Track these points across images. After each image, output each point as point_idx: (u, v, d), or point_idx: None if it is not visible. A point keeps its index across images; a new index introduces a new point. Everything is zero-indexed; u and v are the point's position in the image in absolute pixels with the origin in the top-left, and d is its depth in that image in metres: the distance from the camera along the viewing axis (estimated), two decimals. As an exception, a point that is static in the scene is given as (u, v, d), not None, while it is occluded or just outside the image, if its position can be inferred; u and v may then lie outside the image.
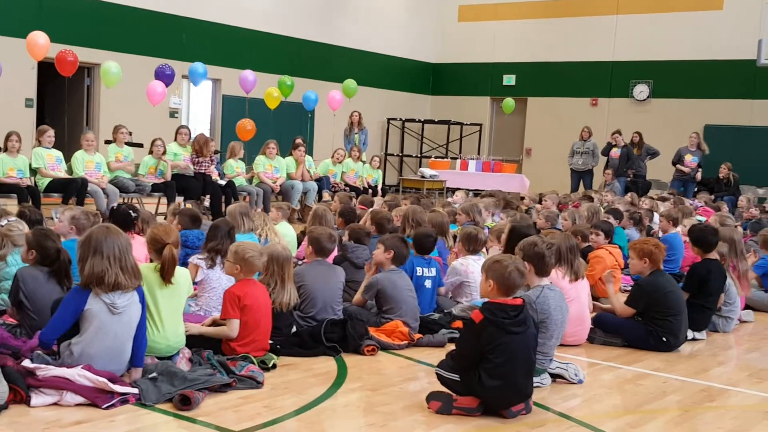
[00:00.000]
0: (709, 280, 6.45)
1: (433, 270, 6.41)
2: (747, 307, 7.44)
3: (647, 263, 6.05)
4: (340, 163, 14.17)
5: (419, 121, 22.18)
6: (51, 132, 10.59)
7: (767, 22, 15.13)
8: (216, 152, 13.22)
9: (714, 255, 6.73)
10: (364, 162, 14.80)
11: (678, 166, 16.40)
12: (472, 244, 6.84)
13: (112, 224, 4.59)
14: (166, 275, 4.63)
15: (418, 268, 6.30)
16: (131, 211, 6.91)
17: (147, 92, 12.50)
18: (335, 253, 6.53)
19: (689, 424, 4.45)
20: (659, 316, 5.95)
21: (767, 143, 17.93)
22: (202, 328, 5.03)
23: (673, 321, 5.96)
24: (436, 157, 21.50)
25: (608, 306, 6.51)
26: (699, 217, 10.45)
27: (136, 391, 4.17)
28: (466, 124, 21.94)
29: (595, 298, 6.96)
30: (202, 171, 11.70)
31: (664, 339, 5.93)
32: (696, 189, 16.40)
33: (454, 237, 7.73)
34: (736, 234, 7.53)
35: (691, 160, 16.31)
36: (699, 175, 16.34)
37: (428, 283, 6.34)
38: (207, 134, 15.41)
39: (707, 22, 18.85)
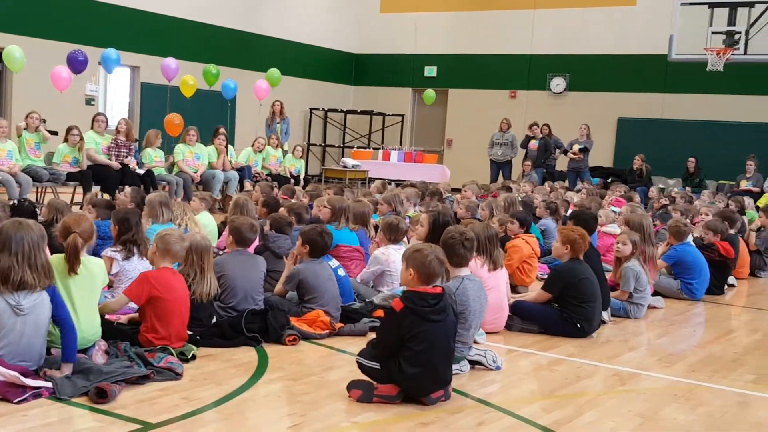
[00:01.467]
0: (591, 256, 6.58)
1: (334, 260, 6.40)
2: (657, 293, 7.72)
3: (568, 250, 6.22)
4: (260, 152, 14.07)
5: (342, 111, 22.16)
6: (-42, 119, 10.21)
7: (678, 18, 15.63)
8: (134, 141, 12.94)
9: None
10: (285, 152, 14.72)
11: (570, 154, 16.91)
12: (393, 234, 6.89)
13: (25, 219, 4.44)
14: (69, 265, 4.52)
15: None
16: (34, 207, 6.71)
17: (52, 78, 12.16)
18: (256, 242, 6.50)
19: (601, 408, 4.59)
20: (574, 302, 6.12)
21: (678, 136, 18.57)
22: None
23: (588, 308, 6.14)
24: (358, 148, 21.54)
25: (525, 294, 6.66)
26: (614, 208, 10.77)
27: (49, 385, 4.07)
28: (389, 115, 22.03)
29: (513, 286, 7.12)
30: (119, 160, 11.45)
31: (579, 325, 6.10)
32: (610, 180, 16.92)
33: (376, 227, 7.78)
34: (646, 221, 7.78)
35: (577, 148, 16.82)
36: (586, 161, 16.95)
37: (341, 271, 6.34)
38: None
39: (621, 17, 19.38)
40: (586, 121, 17.66)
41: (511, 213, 8.43)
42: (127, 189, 6.85)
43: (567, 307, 6.14)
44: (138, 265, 5.74)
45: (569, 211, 10.43)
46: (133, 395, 4.18)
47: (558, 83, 20.37)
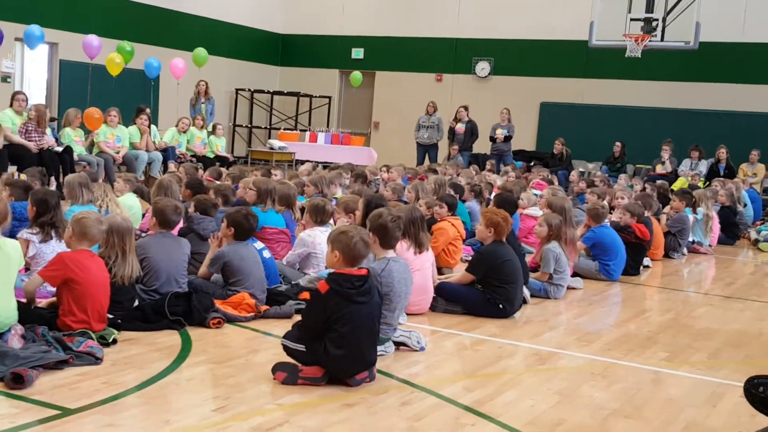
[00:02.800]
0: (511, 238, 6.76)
1: (258, 243, 6.37)
2: (575, 274, 7.93)
3: (492, 233, 6.33)
4: (185, 132, 13.84)
5: (268, 92, 21.94)
6: None
7: (598, 5, 15.96)
8: (52, 119, 12.56)
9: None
10: (209, 132, 14.52)
11: (496, 139, 17.25)
12: (320, 216, 6.89)
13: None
14: None
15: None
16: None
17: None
18: (180, 224, 6.41)
19: (522, 387, 4.71)
20: (497, 284, 6.24)
21: (597, 121, 19.02)
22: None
23: (509, 289, 6.27)
24: (285, 129, 21.38)
25: (450, 276, 6.76)
26: (535, 191, 10.99)
27: (-37, 371, 3.96)
28: (316, 97, 21.92)
29: (438, 268, 7.20)
30: (33, 141, 11.08)
31: (501, 306, 6.23)
32: (532, 163, 17.26)
33: (302, 209, 7.76)
34: (567, 204, 7.97)
35: (501, 133, 17.15)
36: (511, 145, 17.33)
37: (266, 253, 6.31)
38: (43, 101, 14.66)
39: (544, 2, 19.66)
40: (509, 105, 17.92)
41: (439, 196, 8.52)
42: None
43: (490, 289, 6.26)
44: (56, 248, 5.60)
45: (493, 194, 10.61)
46: (51, 380, 4.09)
47: (483, 67, 20.58)
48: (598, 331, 6.27)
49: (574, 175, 14.44)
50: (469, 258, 7.32)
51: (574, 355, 5.45)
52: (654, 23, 15.40)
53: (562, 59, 19.46)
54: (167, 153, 13.10)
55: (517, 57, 20.00)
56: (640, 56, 15.54)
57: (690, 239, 10.58)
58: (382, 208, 5.62)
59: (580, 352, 5.55)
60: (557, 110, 19.62)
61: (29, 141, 11.12)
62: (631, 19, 15.47)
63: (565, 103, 19.55)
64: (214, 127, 14.77)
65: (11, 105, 11.46)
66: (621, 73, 18.63)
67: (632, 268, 8.64)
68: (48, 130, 11.58)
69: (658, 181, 13.53)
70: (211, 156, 14.08)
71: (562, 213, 7.62)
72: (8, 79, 15.69)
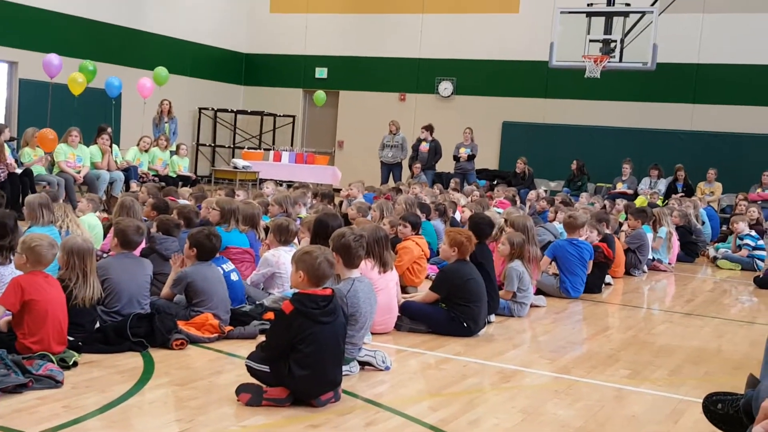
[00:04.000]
0: (484, 260, 6.82)
1: (230, 264, 6.33)
2: (539, 291, 8.00)
3: (455, 252, 6.36)
4: (146, 151, 13.73)
5: (232, 111, 21.87)
6: None
7: (558, 26, 16.20)
8: (12, 139, 12.39)
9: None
10: (172, 152, 14.43)
11: (459, 158, 17.41)
12: (284, 235, 6.88)
13: None
14: None
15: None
16: None
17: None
18: (143, 245, 6.35)
19: (487, 405, 4.73)
20: (461, 302, 6.27)
21: (558, 140, 19.25)
22: None
23: (474, 308, 6.30)
24: (249, 148, 21.31)
25: (415, 295, 6.77)
26: (497, 209, 11.08)
27: None
28: (280, 116, 21.90)
29: (402, 286, 7.22)
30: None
31: (465, 325, 6.26)
32: (495, 182, 17.42)
33: (266, 229, 7.73)
34: (529, 222, 8.05)
35: (464, 152, 17.32)
36: (474, 164, 17.50)
37: (234, 276, 6.27)
38: (2, 120, 14.44)
39: (505, 24, 19.93)
40: (472, 125, 18.07)
41: (403, 215, 8.55)
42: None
43: (454, 307, 6.28)
44: (15, 271, 5.49)
45: (457, 214, 10.67)
46: (10, 404, 4.02)
47: (446, 87, 20.75)
48: (561, 348, 6.32)
49: (532, 194, 14.58)
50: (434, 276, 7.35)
51: (538, 373, 5.49)
52: (612, 44, 15.67)
53: (524, 79, 19.70)
54: (129, 172, 12.99)
55: (480, 77, 20.20)
56: (599, 77, 15.79)
57: (650, 257, 10.73)
58: (347, 227, 5.62)
59: (544, 369, 5.59)
60: (519, 129, 19.83)
61: None
62: (590, 41, 15.73)
63: (527, 123, 19.77)
64: (177, 147, 14.68)
65: (-31, 125, 11.28)
66: (581, 93, 18.91)
67: (595, 285, 8.73)
68: (7, 150, 11.40)
69: (624, 201, 13.73)
70: (174, 176, 13.99)
71: (524, 231, 7.69)
72: (-35, 98, 15.46)
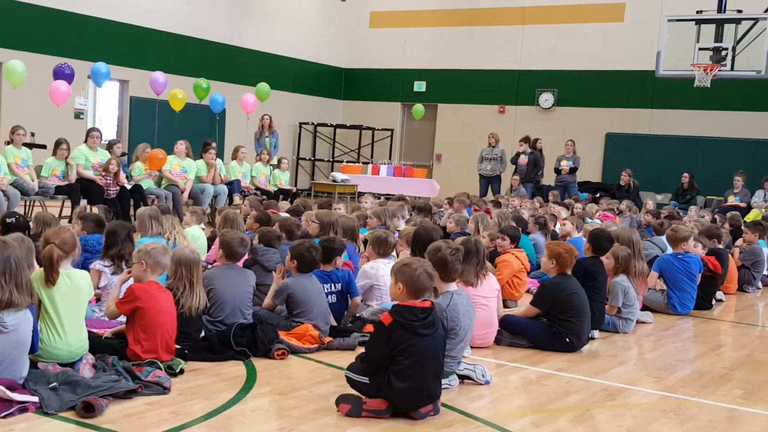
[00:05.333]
0: (596, 272, 6.68)
1: (338, 285, 6.29)
2: (645, 308, 7.74)
3: (554, 265, 6.23)
4: (243, 162, 14.01)
5: (331, 125, 22.19)
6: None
7: (665, 35, 15.75)
8: (123, 154, 12.90)
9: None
10: (273, 166, 14.71)
11: (560, 170, 17.10)
12: (382, 248, 6.88)
13: (7, 239, 4.42)
14: (45, 275, 4.50)
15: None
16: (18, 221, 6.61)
17: (50, 92, 12.07)
18: (245, 256, 6.48)
19: (590, 423, 4.59)
20: (563, 317, 6.12)
21: (665, 151, 18.68)
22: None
23: (577, 322, 6.15)
24: (348, 162, 21.55)
25: (515, 309, 6.67)
26: (597, 221, 10.81)
27: (36, 399, 4.04)
28: (378, 129, 22.08)
29: (502, 300, 7.11)
30: (109, 193, 11.26)
31: (568, 340, 6.11)
32: (598, 194, 17.03)
33: (365, 241, 7.77)
34: (635, 236, 7.81)
35: (566, 165, 16.97)
36: (576, 177, 17.14)
37: (332, 298, 6.25)
38: (114, 136, 15.07)
39: (609, 33, 19.53)
40: (574, 136, 17.76)
41: (501, 228, 8.45)
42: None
43: (556, 322, 6.14)
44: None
45: (558, 226, 10.47)
46: (121, 409, 4.15)
47: (546, 98, 20.47)
48: (669, 366, 6.08)
49: (635, 207, 14.14)
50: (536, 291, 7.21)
51: (645, 391, 5.30)
52: (723, 52, 15.12)
53: (629, 89, 19.23)
54: (232, 186, 13.32)
55: (582, 88, 19.85)
56: (709, 86, 15.25)
57: (765, 272, 10.24)
58: (440, 241, 5.56)
59: (652, 388, 5.39)
60: (623, 141, 19.35)
61: (106, 190, 11.30)
62: (700, 49, 15.22)
63: (632, 134, 19.27)
64: (278, 161, 14.97)
65: (86, 141, 11.79)
66: (690, 103, 18.31)
67: (704, 301, 8.39)
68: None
69: (729, 213, 13.16)
70: (274, 189, 14.26)
71: (630, 245, 7.47)
72: (81, 116, 16.22)
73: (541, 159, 17.46)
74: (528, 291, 8.02)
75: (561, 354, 6.04)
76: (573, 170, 17.09)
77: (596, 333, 6.67)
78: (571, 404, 4.93)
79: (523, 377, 5.49)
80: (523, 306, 6.75)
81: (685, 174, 17.06)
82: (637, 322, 7.26)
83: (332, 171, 20.75)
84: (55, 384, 4.19)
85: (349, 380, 4.45)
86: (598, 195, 17.31)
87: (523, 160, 17.24)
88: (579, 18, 19.94)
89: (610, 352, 6.36)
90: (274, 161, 14.99)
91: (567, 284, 6.23)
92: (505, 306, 7.20)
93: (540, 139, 17.66)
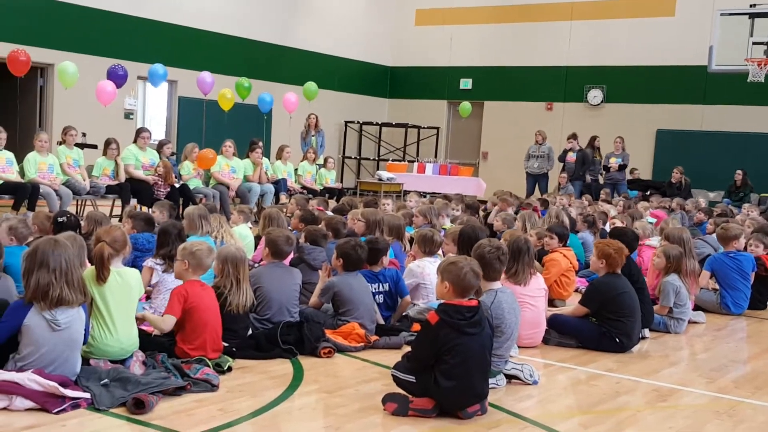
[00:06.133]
0: (633, 272, 6.54)
1: (386, 285, 6.29)
2: (697, 307, 7.59)
3: (603, 264, 6.15)
4: (288, 161, 14.07)
5: (377, 124, 22.21)
6: (3, 134, 10.38)
7: (718, 29, 15.44)
8: (172, 154, 13.07)
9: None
10: (319, 165, 14.77)
11: (610, 169, 16.86)
12: (428, 246, 6.85)
13: (59, 237, 4.51)
14: (96, 273, 4.57)
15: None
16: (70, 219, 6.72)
17: (97, 92, 12.29)
18: (291, 255, 6.51)
19: (641, 424, 4.51)
20: (613, 317, 6.03)
21: (718, 148, 18.31)
22: (146, 313, 5.12)
23: (626, 322, 6.05)
24: (393, 160, 21.54)
25: (563, 308, 6.59)
26: (650, 219, 10.63)
27: (87, 395, 4.11)
28: (424, 128, 22.03)
29: (550, 300, 7.04)
30: (159, 195, 11.39)
31: (618, 340, 6.01)
32: (648, 192, 16.76)
33: (411, 240, 7.75)
34: (686, 234, 7.66)
35: (615, 162, 16.71)
36: (625, 174, 16.84)
37: (379, 298, 6.24)
38: (164, 136, 15.28)
39: (659, 28, 19.20)
40: (623, 133, 17.50)
41: (549, 227, 8.36)
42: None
43: (605, 322, 6.06)
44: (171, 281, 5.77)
45: (608, 225, 10.31)
46: (170, 406, 4.20)
47: (595, 95, 20.21)
48: (722, 367, 5.95)
49: (688, 205, 13.88)
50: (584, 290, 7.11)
51: (697, 393, 5.19)
52: (778, 46, 14.78)
53: (680, 85, 18.88)
54: (278, 185, 13.40)
55: (632, 84, 19.54)
56: (763, 80, 14.89)
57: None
58: (488, 239, 5.51)
59: (704, 389, 5.28)
60: (674, 137, 19.01)
61: (156, 191, 11.46)
62: (754, 43, 14.88)
63: (683, 131, 18.92)
64: (324, 160, 15.02)
65: (135, 141, 11.98)
66: (743, 98, 17.90)
67: (758, 301, 8.19)
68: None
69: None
70: (320, 188, 14.31)
71: (681, 244, 7.33)
72: (131, 116, 16.48)
73: (599, 156, 17.22)
74: (577, 290, 7.93)
75: (610, 354, 5.95)
76: (622, 167, 16.84)
77: (647, 332, 6.55)
78: (620, 405, 4.85)
79: (572, 377, 5.42)
80: (572, 305, 6.66)
81: (738, 171, 16.70)
82: (690, 322, 7.13)
83: (378, 169, 20.75)
84: (106, 381, 4.26)
85: (396, 379, 4.43)
86: (648, 193, 17.02)
87: (571, 157, 17.04)
88: (628, 13, 19.64)
89: (661, 353, 6.25)
90: (320, 160, 15.05)
91: (616, 283, 6.13)
92: (553, 305, 7.13)
93: (598, 137, 17.41)
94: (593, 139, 17.36)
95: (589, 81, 20.25)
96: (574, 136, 17.20)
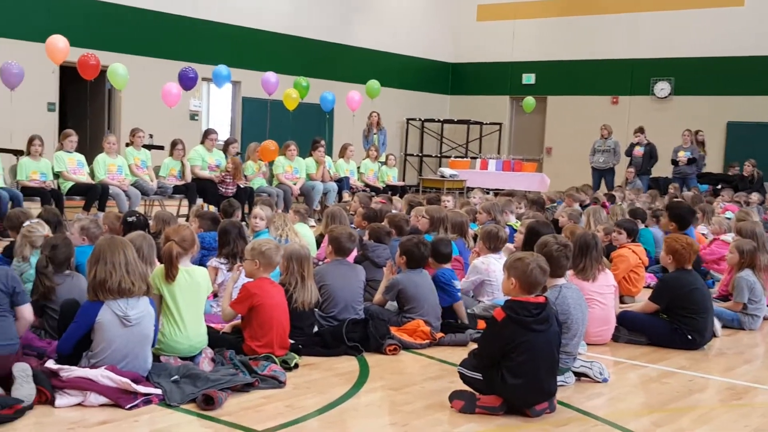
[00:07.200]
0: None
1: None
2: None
3: (671, 260, 6.01)
4: (351, 160, 14.11)
5: (438, 120, 22.13)
6: (74, 137, 10.68)
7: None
8: (237, 154, 13.23)
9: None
10: (381, 163, 14.78)
11: (678, 162, 16.44)
12: (493, 242, 6.80)
13: (118, 235, 4.60)
14: (165, 271, 4.65)
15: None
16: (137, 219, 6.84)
17: (162, 94, 12.53)
18: (355, 252, 6.52)
19: (716, 423, 4.39)
20: (684, 313, 5.89)
21: (792, 140, 17.72)
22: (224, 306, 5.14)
23: (698, 319, 5.91)
24: (455, 157, 21.44)
25: (632, 305, 6.46)
26: (729, 214, 10.35)
27: (159, 391, 4.18)
28: (486, 124, 21.87)
29: (619, 296, 6.89)
30: (223, 191, 11.54)
31: (690, 337, 5.87)
32: (720, 186, 16.31)
33: (475, 236, 7.69)
34: (759, 228, 7.43)
35: (683, 155, 16.29)
36: (693, 168, 16.43)
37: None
38: (228, 137, 15.48)
39: (728, 18, 18.68)
40: (693, 126, 17.07)
41: (618, 221, 8.20)
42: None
43: (677, 318, 5.92)
44: (242, 276, 5.83)
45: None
46: (239, 402, 4.24)
47: (662, 87, 19.77)
48: (800, 365, 5.76)
49: (755, 198, 13.44)
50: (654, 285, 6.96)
51: (774, 391, 5.03)
52: None
53: (751, 76, 18.33)
54: (341, 183, 13.46)
55: (701, 75, 19.05)
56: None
57: None
58: (548, 236, 5.42)
59: (781, 388, 5.11)
60: (746, 130, 18.46)
61: (223, 188, 11.60)
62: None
63: (756, 123, 18.36)
64: (386, 158, 15.03)
65: (202, 142, 12.17)
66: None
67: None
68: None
69: None
70: (383, 186, 14.32)
71: (753, 238, 7.11)
72: (196, 117, 16.76)
73: (703, 151, 16.81)
74: (647, 286, 7.76)
75: (682, 351, 5.81)
76: (691, 161, 16.43)
77: (719, 329, 6.35)
78: (694, 403, 4.73)
79: (643, 375, 5.30)
80: (641, 302, 6.52)
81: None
82: (765, 318, 6.90)
83: (440, 166, 20.69)
84: (176, 377, 4.33)
85: (462, 376, 4.40)
86: (719, 187, 16.57)
87: (639, 151, 16.70)
88: (696, 3, 19.15)
89: (735, 350, 6.07)
90: (382, 158, 15.07)
91: (687, 279, 5.99)
92: (622, 302, 6.99)
93: (701, 131, 17.00)
94: (696, 132, 16.93)
95: (656, 73, 19.81)
96: (641, 130, 16.84)
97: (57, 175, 10.45)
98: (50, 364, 4.21)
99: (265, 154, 12.43)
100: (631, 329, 6.04)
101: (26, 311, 4.40)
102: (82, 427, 3.82)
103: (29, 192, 9.94)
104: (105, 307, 4.20)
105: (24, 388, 3.97)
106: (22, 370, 4.03)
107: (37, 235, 5.39)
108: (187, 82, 12.90)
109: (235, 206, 8.09)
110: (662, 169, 17.20)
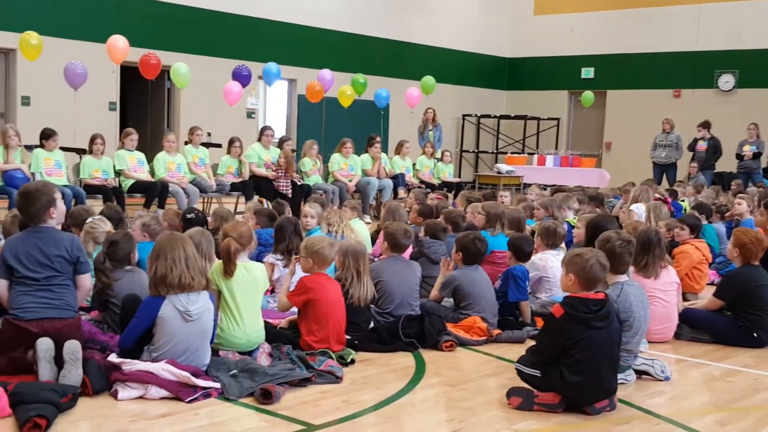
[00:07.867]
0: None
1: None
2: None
3: (738, 254, 5.86)
4: (406, 156, 14.09)
5: (495, 116, 21.96)
6: (135, 135, 10.88)
7: None
8: (293, 151, 13.34)
9: None
10: (437, 159, 14.73)
11: (743, 157, 15.99)
12: (551, 239, 6.71)
13: (178, 232, 4.67)
14: (224, 267, 4.69)
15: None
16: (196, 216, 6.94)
17: (224, 93, 12.68)
18: (410, 248, 6.50)
19: (784, 423, 4.26)
20: (749, 310, 5.74)
21: None
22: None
23: (764, 316, 5.75)
24: (512, 153, 21.21)
25: (695, 302, 6.31)
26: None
27: (218, 385, 4.23)
28: (543, 119, 21.61)
29: (682, 293, 6.74)
30: (280, 188, 11.65)
31: (755, 335, 5.71)
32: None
33: (532, 233, 7.60)
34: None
35: (749, 150, 15.83)
36: (758, 162, 15.96)
37: None
38: (284, 134, 15.64)
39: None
40: (758, 120, 16.59)
41: (681, 217, 8.02)
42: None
43: (741, 315, 5.76)
44: (297, 272, 5.86)
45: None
46: (296, 397, 4.27)
47: (726, 80, 19.27)
48: None
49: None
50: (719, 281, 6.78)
51: None
52: None
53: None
54: (397, 180, 13.46)
55: (767, 68, 18.50)
56: None
57: None
58: (610, 231, 5.32)
59: None
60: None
61: (276, 184, 11.70)
62: None
63: (824, 115, 17.77)
64: (442, 154, 14.98)
65: (259, 139, 12.29)
66: None
67: None
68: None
69: None
70: (438, 182, 14.27)
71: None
72: (253, 115, 16.94)
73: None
74: (711, 283, 7.57)
75: (747, 349, 5.66)
76: (757, 155, 15.97)
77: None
78: (760, 403, 4.61)
79: (706, 373, 5.18)
80: (705, 299, 6.36)
81: None
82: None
83: (496, 162, 20.51)
84: (235, 371, 4.38)
85: (520, 373, 4.35)
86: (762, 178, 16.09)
87: (702, 146, 16.30)
88: (760, -8, 18.63)
89: (804, 349, 5.88)
90: (438, 154, 15.01)
91: (753, 275, 5.83)
92: (685, 299, 6.83)
93: None
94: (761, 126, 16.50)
95: (720, 66, 19.32)
96: (705, 124, 16.43)
97: (118, 173, 10.66)
98: (113, 357, 4.29)
99: (312, 94, 12.17)
100: (694, 327, 5.90)
101: (86, 280, 4.55)
102: (144, 419, 3.89)
103: (91, 190, 10.17)
104: (167, 302, 4.27)
105: (72, 373, 4.07)
106: (72, 352, 4.11)
107: (100, 232, 5.51)
108: (242, 79, 13.05)
109: (284, 206, 8.15)
110: (726, 163, 16.76)
